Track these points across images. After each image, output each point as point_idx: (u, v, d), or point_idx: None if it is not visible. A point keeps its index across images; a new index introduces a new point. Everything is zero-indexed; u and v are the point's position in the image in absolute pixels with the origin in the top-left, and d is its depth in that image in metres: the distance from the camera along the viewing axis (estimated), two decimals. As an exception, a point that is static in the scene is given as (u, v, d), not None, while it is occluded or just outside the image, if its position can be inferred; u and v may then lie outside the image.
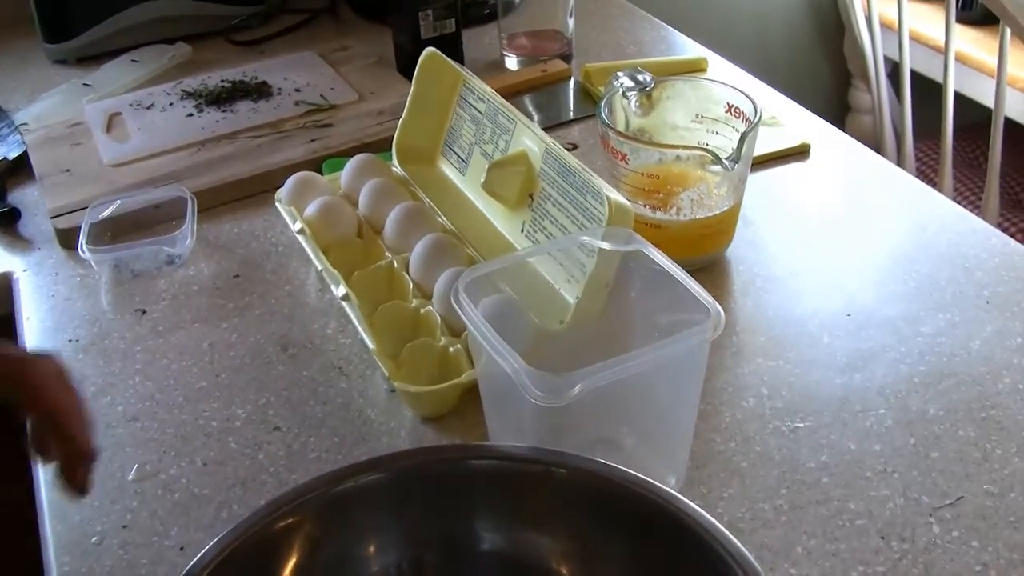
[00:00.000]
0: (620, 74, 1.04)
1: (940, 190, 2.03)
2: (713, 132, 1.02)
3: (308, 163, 1.21)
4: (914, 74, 2.05)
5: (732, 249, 1.04)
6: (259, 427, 0.90)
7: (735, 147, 0.95)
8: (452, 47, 1.36)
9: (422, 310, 0.94)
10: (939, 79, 1.94)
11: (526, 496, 0.66)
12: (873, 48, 2.08)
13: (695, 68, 1.38)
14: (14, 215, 1.22)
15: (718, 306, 0.73)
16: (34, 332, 1.05)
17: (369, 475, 0.65)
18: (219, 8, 1.60)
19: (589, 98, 1.34)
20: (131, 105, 1.38)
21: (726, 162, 0.94)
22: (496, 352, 0.70)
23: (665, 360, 0.71)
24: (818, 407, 0.86)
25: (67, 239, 1.15)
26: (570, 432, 0.78)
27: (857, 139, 1.20)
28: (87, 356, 1.00)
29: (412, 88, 1.11)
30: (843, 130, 1.25)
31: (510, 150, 1.00)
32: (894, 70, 2.10)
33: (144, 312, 1.05)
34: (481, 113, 1.05)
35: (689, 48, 1.47)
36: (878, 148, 2.13)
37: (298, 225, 1.04)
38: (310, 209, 1.05)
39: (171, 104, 1.37)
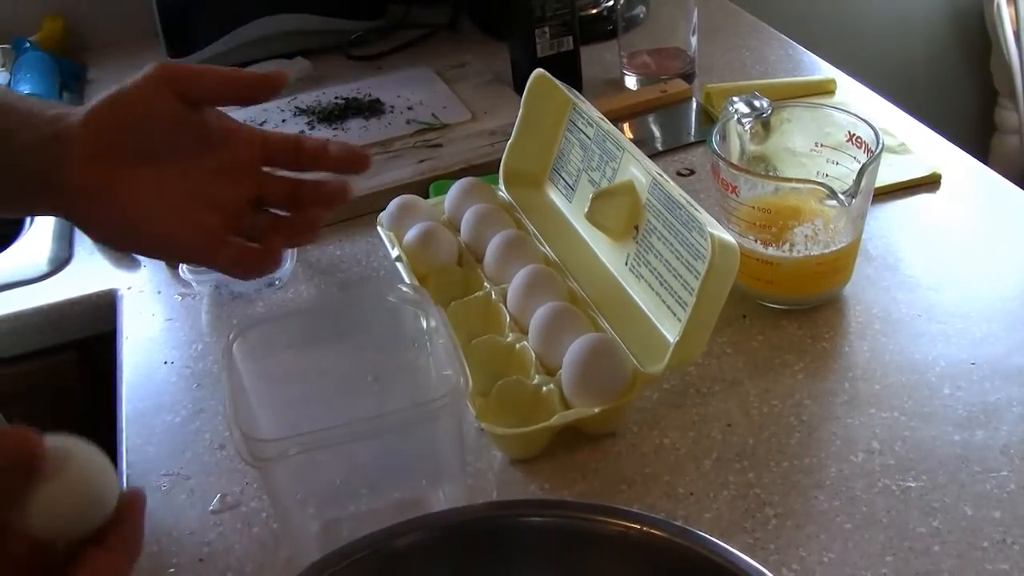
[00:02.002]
0: (736, 99, 0.99)
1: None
2: (833, 162, 0.96)
3: (416, 184, 1.18)
4: (1065, 94, 1.96)
5: (850, 287, 0.98)
6: (345, 462, 0.87)
7: (854, 180, 0.89)
8: (570, 65, 1.32)
9: (517, 345, 0.90)
10: (1091, 100, 1.84)
11: (588, 555, 0.61)
12: (1021, 65, 1.99)
13: (823, 90, 1.31)
14: (121, 230, 1.22)
15: (461, 382, 0.72)
16: (132, 351, 1.04)
17: (421, 533, 0.61)
18: (339, 23, 1.58)
19: (710, 120, 1.28)
20: (244, 121, 1.36)
21: (843, 197, 0.88)
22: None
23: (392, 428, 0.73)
24: (933, 466, 0.80)
25: (172, 258, 1.14)
26: (351, 496, 0.81)
27: (1002, 161, 1.12)
28: (180, 379, 0.99)
29: (521, 110, 1.08)
30: (988, 150, 1.17)
31: (617, 179, 0.96)
32: (1044, 89, 2.00)
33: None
34: (589, 139, 1.01)
35: (818, 68, 1.41)
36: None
37: (396, 251, 1.01)
38: (410, 235, 1.02)
39: (283, 121, 1.36)
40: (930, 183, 1.13)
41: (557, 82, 1.04)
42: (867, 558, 0.73)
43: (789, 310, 0.96)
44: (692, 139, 1.27)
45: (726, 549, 0.60)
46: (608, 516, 0.61)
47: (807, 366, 0.91)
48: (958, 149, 1.19)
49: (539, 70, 1.06)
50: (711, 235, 0.79)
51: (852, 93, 1.32)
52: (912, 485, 0.79)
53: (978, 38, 2.30)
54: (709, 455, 0.83)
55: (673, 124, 1.31)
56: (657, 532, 0.61)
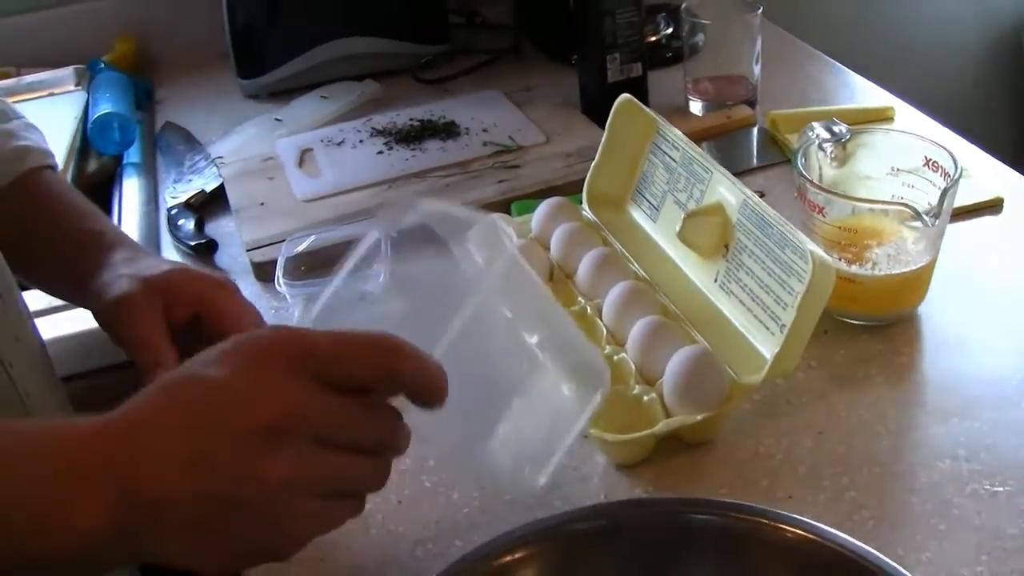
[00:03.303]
0: (815, 125, 1.04)
1: None
2: (908, 185, 1.01)
3: (497, 204, 1.23)
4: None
5: (925, 306, 1.03)
6: (460, 467, 0.91)
7: (934, 202, 0.94)
8: (638, 91, 1.37)
9: (615, 357, 0.95)
10: None
11: (751, 557, 0.66)
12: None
13: (882, 117, 1.36)
14: (212, 246, 1.27)
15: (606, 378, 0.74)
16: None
17: (589, 523, 0.66)
18: (406, 46, 1.64)
19: (775, 145, 1.34)
20: (322, 141, 1.42)
21: (927, 218, 0.93)
22: None
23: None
24: (1019, 472, 0.84)
25: (262, 272, 1.19)
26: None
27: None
28: (284, 388, 1.03)
29: (605, 134, 1.12)
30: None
31: (705, 200, 1.01)
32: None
33: (338, 346, 1.07)
34: (675, 161, 1.06)
35: (874, 95, 1.46)
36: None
37: (492, 267, 1.06)
38: (503, 252, 1.07)
39: (361, 141, 1.41)
40: (992, 207, 1.18)
41: (642, 106, 1.09)
42: (962, 557, 0.78)
43: (868, 326, 1.01)
44: (756, 163, 1.32)
45: (881, 558, 0.64)
46: (766, 516, 0.66)
47: (889, 379, 0.96)
48: (1018, 174, 1.24)
49: (625, 95, 1.11)
50: (811, 253, 0.84)
51: (911, 119, 1.37)
52: (1000, 490, 0.83)
53: (1015, 64, 2.35)
54: (803, 461, 0.88)
55: (738, 149, 1.36)
56: (813, 533, 0.66)
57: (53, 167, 0.99)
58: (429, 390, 0.63)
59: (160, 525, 0.57)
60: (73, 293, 0.91)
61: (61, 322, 1.13)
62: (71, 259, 0.90)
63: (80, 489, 0.56)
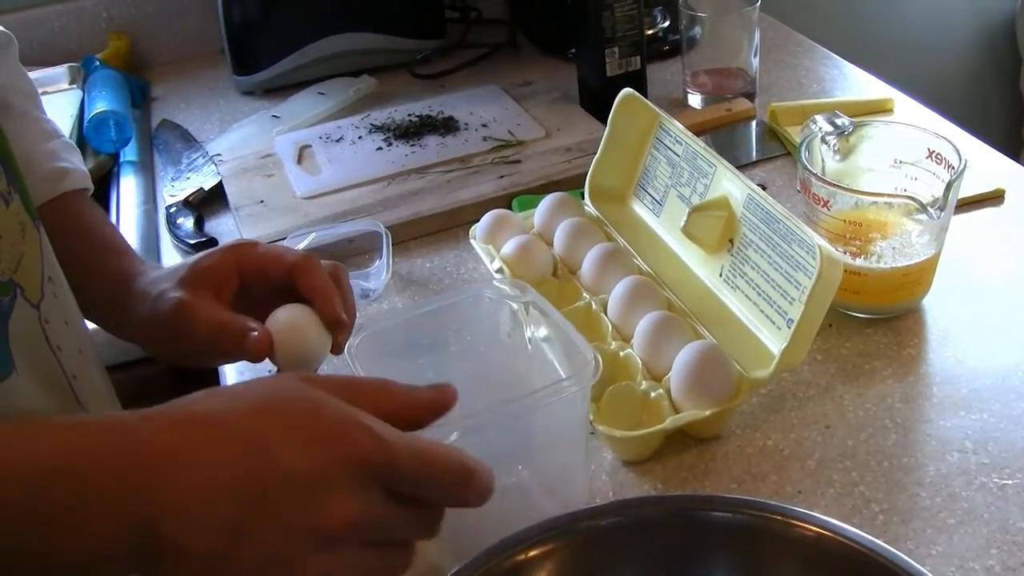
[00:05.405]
0: (817, 117, 1.04)
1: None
2: (912, 178, 1.01)
3: (499, 199, 1.23)
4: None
5: (929, 298, 1.03)
6: (460, 464, 0.91)
7: (939, 195, 0.94)
8: (638, 84, 1.37)
9: (621, 353, 0.95)
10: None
11: (766, 553, 0.66)
12: (1052, 83, 2.03)
13: (881, 108, 1.36)
14: (212, 244, 1.26)
15: (594, 357, 0.77)
16: (231, 364, 1.08)
17: (610, 519, 0.66)
18: (401, 42, 1.63)
19: (775, 138, 1.33)
20: (320, 138, 1.42)
21: (932, 210, 0.93)
22: None
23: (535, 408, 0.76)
24: (1027, 464, 0.85)
25: (265, 270, 1.18)
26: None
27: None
28: (288, 387, 1.03)
29: (607, 128, 1.12)
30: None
31: (709, 194, 1.01)
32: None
33: (342, 344, 1.07)
34: (678, 155, 1.06)
35: (873, 86, 1.46)
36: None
37: (496, 264, 1.06)
38: (507, 248, 1.06)
39: (360, 137, 1.40)
40: (994, 197, 1.18)
41: (645, 100, 1.09)
42: (973, 551, 0.78)
43: (873, 319, 1.01)
44: (756, 156, 1.32)
45: (898, 554, 0.64)
46: (784, 513, 0.66)
47: (895, 372, 0.96)
48: (1017, 164, 1.24)
49: (627, 89, 1.10)
50: (819, 248, 0.84)
51: (910, 111, 1.37)
52: (1009, 483, 0.83)
53: (1007, 54, 2.35)
54: (812, 455, 0.88)
55: (737, 142, 1.36)
56: (829, 531, 0.66)
57: (88, 190, 1.01)
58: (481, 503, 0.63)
59: (175, 563, 0.56)
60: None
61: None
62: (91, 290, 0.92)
63: (101, 515, 0.55)
